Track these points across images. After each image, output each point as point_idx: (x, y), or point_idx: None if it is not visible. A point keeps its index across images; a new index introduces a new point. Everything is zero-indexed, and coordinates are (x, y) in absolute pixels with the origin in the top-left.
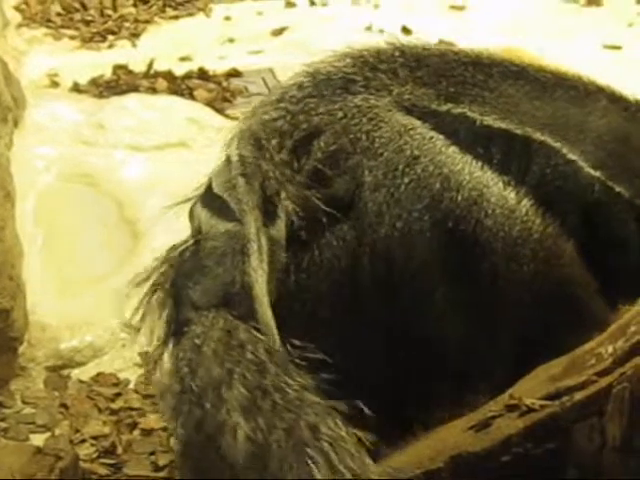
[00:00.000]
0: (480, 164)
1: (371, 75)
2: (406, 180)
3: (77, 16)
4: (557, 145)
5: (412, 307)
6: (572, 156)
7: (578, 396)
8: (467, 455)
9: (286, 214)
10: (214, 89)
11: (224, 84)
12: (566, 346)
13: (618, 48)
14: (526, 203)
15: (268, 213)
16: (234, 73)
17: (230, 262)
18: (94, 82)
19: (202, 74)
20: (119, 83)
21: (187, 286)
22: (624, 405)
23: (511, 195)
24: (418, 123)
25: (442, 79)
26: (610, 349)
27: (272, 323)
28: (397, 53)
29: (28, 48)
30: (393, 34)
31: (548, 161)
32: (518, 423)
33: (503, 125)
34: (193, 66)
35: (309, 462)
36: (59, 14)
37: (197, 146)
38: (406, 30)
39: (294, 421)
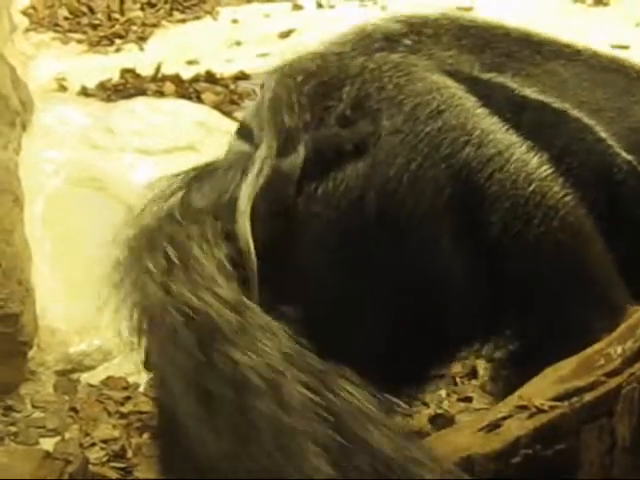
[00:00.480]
0: (507, 127)
1: (415, 38)
2: (426, 129)
3: (84, 20)
4: (590, 122)
5: (416, 253)
6: (604, 135)
7: (587, 397)
8: (477, 456)
9: (305, 150)
10: (222, 92)
11: (232, 87)
12: (580, 328)
13: (626, 48)
14: (547, 169)
15: (286, 146)
16: (242, 76)
17: (231, 176)
18: (102, 86)
19: (209, 77)
20: (127, 87)
21: (193, 188)
22: (633, 406)
23: (533, 159)
24: (453, 84)
25: (487, 49)
26: (619, 350)
27: (249, 238)
28: (445, 21)
29: (36, 52)
30: None
31: (577, 135)
32: (528, 424)
33: (540, 97)
34: (200, 69)
35: None
36: (66, 18)
37: (205, 149)
38: None
39: None
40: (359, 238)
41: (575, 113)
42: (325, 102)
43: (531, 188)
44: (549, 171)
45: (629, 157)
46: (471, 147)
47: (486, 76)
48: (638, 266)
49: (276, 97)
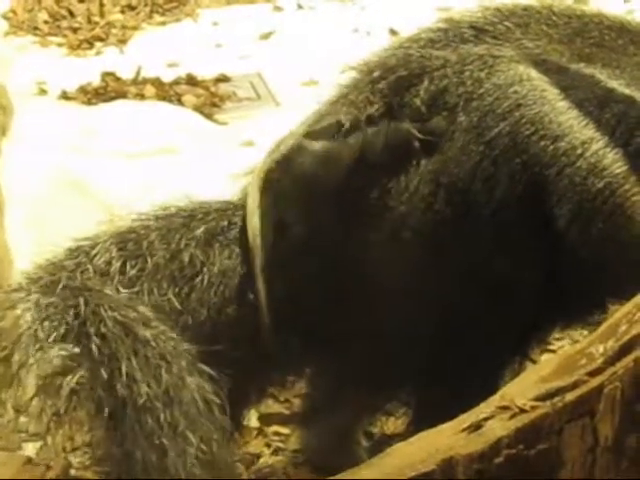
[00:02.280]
0: (586, 122)
1: (503, 27)
2: (503, 124)
3: (64, 23)
4: None
5: (488, 248)
6: None
7: (569, 396)
8: (459, 457)
9: (359, 138)
10: (202, 94)
11: (212, 89)
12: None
13: None
14: (620, 166)
15: (338, 132)
16: (222, 78)
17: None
18: (82, 89)
19: (190, 80)
20: (107, 90)
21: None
22: (615, 405)
23: (608, 156)
24: (536, 75)
25: (578, 38)
26: (601, 349)
27: (257, 232)
28: (535, 10)
29: (16, 56)
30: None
31: None
32: (510, 424)
33: (627, 91)
34: (181, 72)
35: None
36: (46, 22)
37: (186, 152)
38: (393, 32)
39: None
40: (432, 233)
41: None
42: (401, 96)
43: (601, 184)
44: (623, 168)
45: None
46: (546, 141)
47: (574, 67)
48: None
49: (343, 91)
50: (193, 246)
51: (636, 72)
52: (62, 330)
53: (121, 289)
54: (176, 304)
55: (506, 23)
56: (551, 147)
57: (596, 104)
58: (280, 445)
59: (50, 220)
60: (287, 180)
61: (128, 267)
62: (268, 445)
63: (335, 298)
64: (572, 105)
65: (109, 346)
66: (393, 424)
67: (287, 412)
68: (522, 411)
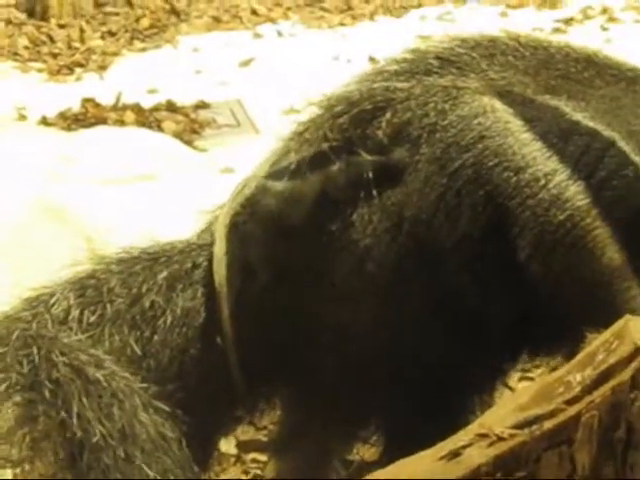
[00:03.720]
0: (549, 154)
1: (469, 59)
2: (466, 156)
3: (44, 49)
4: (636, 159)
5: (451, 279)
6: None
7: (547, 425)
8: None
9: (324, 174)
10: (182, 121)
11: (192, 116)
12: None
13: None
14: (582, 199)
15: (298, 170)
16: (202, 105)
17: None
18: (62, 115)
19: (170, 106)
20: (87, 116)
21: None
22: (593, 433)
23: (570, 188)
24: (501, 107)
25: (543, 70)
26: (579, 377)
27: (224, 277)
28: (501, 41)
29: None
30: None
31: (620, 170)
32: (488, 452)
33: (591, 123)
34: (161, 98)
35: None
36: (26, 47)
37: (166, 178)
38: (373, 60)
39: None
40: (396, 265)
41: (622, 145)
42: (363, 130)
43: (563, 217)
44: (585, 201)
45: None
46: (509, 173)
47: (539, 98)
48: None
49: (300, 128)
50: (155, 292)
51: (601, 105)
52: (15, 380)
53: (81, 336)
54: (136, 349)
55: (472, 54)
56: (514, 178)
57: (560, 136)
58: (258, 472)
59: (29, 246)
60: (253, 222)
61: (87, 314)
62: (246, 472)
63: (303, 334)
64: (536, 137)
65: (62, 390)
66: (370, 451)
67: (265, 439)
68: (500, 439)
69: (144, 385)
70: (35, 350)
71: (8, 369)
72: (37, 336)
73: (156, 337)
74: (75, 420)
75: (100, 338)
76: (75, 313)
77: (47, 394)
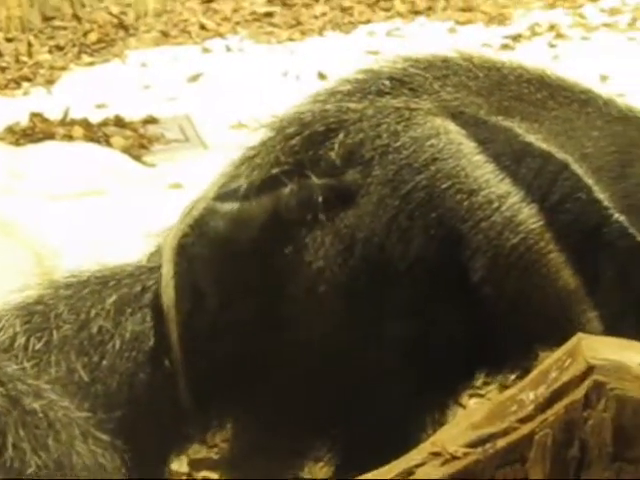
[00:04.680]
0: (502, 176)
1: (422, 79)
2: (419, 177)
3: None
4: (589, 181)
5: (404, 301)
6: (600, 195)
7: (500, 443)
8: None
9: (277, 197)
10: (131, 136)
11: (141, 131)
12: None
13: None
14: (535, 222)
15: (249, 192)
16: (151, 120)
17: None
18: (10, 130)
19: (118, 121)
20: (35, 131)
21: None
22: (546, 452)
23: (523, 211)
24: (454, 128)
25: (496, 91)
26: (531, 396)
27: (171, 300)
28: (455, 61)
29: None
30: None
31: (573, 193)
32: (442, 471)
33: (544, 145)
34: (109, 113)
35: None
36: None
37: (114, 194)
38: (322, 76)
39: None
40: (349, 288)
41: (575, 168)
42: (315, 151)
43: (516, 240)
44: (538, 224)
45: (622, 219)
46: (462, 195)
47: (492, 119)
48: (621, 324)
49: (250, 151)
50: (103, 317)
51: (554, 127)
52: None
53: (26, 364)
54: (83, 375)
55: (425, 75)
56: (467, 201)
57: (513, 158)
58: None
59: None
60: (201, 244)
61: (33, 341)
62: None
63: (254, 355)
64: (489, 159)
65: None
66: (322, 470)
67: (216, 457)
68: (454, 457)
69: (85, 414)
70: None
71: None
72: None
73: (104, 362)
74: (10, 451)
75: (46, 366)
76: (21, 340)
77: None
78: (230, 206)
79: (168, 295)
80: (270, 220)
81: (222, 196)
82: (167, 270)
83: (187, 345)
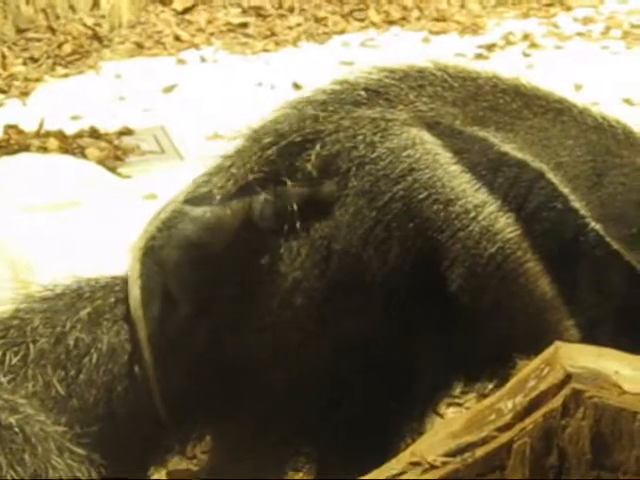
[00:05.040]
0: (479, 185)
1: (397, 90)
2: (395, 188)
3: None
4: (564, 190)
5: (381, 312)
6: (576, 205)
7: (479, 452)
8: None
9: (250, 204)
10: (106, 148)
11: (116, 142)
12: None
13: None
14: (512, 231)
15: (230, 196)
16: (125, 131)
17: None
18: None
19: (93, 133)
20: (10, 143)
21: None
22: (525, 460)
23: (500, 220)
24: (430, 139)
25: (472, 101)
26: (510, 404)
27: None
28: (430, 72)
29: None
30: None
31: (549, 202)
32: None
33: (519, 155)
34: (84, 124)
35: None
36: None
37: (90, 205)
38: (297, 86)
39: None
40: (325, 299)
41: (551, 177)
42: (291, 162)
43: (493, 249)
44: (515, 234)
45: (598, 228)
46: (439, 205)
47: (467, 130)
48: (598, 332)
49: (229, 160)
50: (79, 329)
51: (529, 136)
52: None
53: (2, 379)
54: (60, 390)
55: (400, 85)
56: (444, 211)
57: (489, 168)
58: None
59: None
60: (169, 246)
61: (10, 355)
62: None
63: (226, 364)
64: (465, 169)
65: None
66: (302, 478)
67: (195, 468)
68: (433, 467)
69: (61, 428)
70: None
71: None
72: None
73: (81, 376)
74: None
75: (23, 380)
76: None
77: None
78: (201, 210)
79: (134, 295)
80: (242, 227)
81: (192, 200)
82: (133, 270)
83: (157, 349)
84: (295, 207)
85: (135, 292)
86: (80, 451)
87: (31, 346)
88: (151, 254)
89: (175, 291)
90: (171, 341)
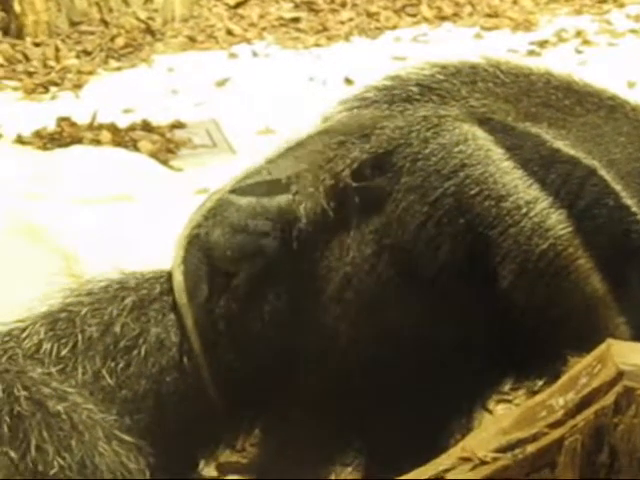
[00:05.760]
0: (531, 182)
1: (450, 86)
2: (447, 184)
3: (20, 67)
4: (616, 187)
5: (432, 308)
6: (628, 201)
7: (530, 448)
8: None
9: (294, 197)
10: (158, 141)
11: (168, 135)
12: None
13: None
14: (564, 227)
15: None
16: (178, 124)
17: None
18: (38, 134)
19: (146, 126)
20: (63, 135)
21: None
22: (576, 457)
23: (552, 216)
24: (482, 135)
25: (524, 97)
26: (561, 401)
27: (182, 289)
28: (482, 67)
29: None
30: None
31: (601, 199)
32: (471, 476)
33: (572, 151)
34: (137, 118)
35: None
36: (1, 65)
37: (142, 198)
38: (348, 81)
39: None
40: (376, 294)
41: (603, 174)
42: (344, 158)
43: (545, 246)
44: (567, 230)
45: None
46: (490, 201)
47: (520, 126)
48: None
49: (279, 152)
50: (125, 316)
51: (582, 133)
52: None
53: (52, 370)
54: (109, 380)
55: (453, 81)
56: (495, 207)
57: (541, 164)
58: None
59: (4, 266)
60: (217, 232)
61: (59, 347)
62: None
63: (274, 357)
64: (517, 165)
65: (23, 424)
66: (350, 475)
67: (244, 461)
68: (483, 463)
69: (110, 417)
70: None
71: None
72: (3, 371)
73: (131, 368)
74: (34, 453)
75: (73, 371)
76: (47, 346)
77: (6, 430)
78: (247, 200)
79: (177, 281)
80: (289, 219)
81: (239, 190)
82: (177, 255)
83: (204, 336)
84: (348, 202)
85: (178, 278)
86: (129, 439)
87: (79, 337)
88: (196, 241)
89: (228, 274)
90: (217, 329)
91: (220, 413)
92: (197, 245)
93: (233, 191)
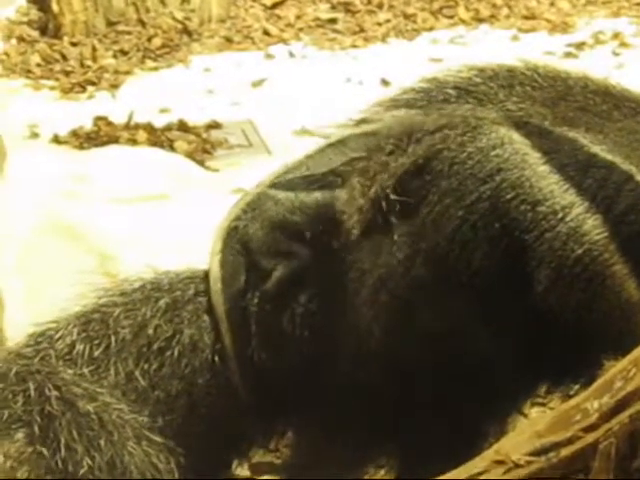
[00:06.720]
0: (567, 186)
1: (487, 89)
2: (483, 188)
3: (57, 67)
4: None
5: (466, 313)
6: None
7: (564, 452)
8: None
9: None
10: (194, 141)
11: (204, 136)
12: None
13: None
14: (600, 232)
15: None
16: (214, 125)
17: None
18: (74, 133)
19: (182, 126)
20: (99, 134)
21: None
22: (610, 462)
23: (588, 222)
24: (519, 139)
25: (562, 102)
26: (596, 405)
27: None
28: (520, 71)
29: (8, 99)
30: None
31: (638, 204)
32: (504, 479)
33: (609, 156)
34: (173, 118)
35: None
36: (39, 65)
37: (177, 198)
38: (385, 82)
39: None
40: (410, 297)
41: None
42: (378, 160)
43: (580, 251)
44: (602, 235)
45: None
46: (526, 205)
47: (557, 130)
48: None
49: (318, 150)
50: (158, 317)
51: (619, 138)
52: (7, 416)
53: (85, 370)
54: (142, 382)
55: (490, 84)
56: (531, 211)
57: (578, 169)
58: None
59: (41, 265)
60: (255, 226)
61: (91, 348)
62: None
63: (311, 358)
64: (553, 169)
65: (52, 424)
66: (384, 476)
67: (277, 461)
68: (517, 466)
69: (141, 417)
70: (31, 385)
71: (4, 405)
72: (35, 371)
73: (163, 369)
74: (63, 452)
75: (105, 372)
76: (79, 347)
77: (37, 429)
78: (285, 195)
79: (213, 270)
80: (331, 219)
81: (279, 185)
82: (215, 246)
83: (235, 327)
84: (388, 209)
85: (215, 267)
86: (159, 439)
87: (112, 338)
88: (234, 234)
89: (265, 268)
90: (249, 326)
91: (252, 414)
92: (235, 237)
93: (272, 185)
